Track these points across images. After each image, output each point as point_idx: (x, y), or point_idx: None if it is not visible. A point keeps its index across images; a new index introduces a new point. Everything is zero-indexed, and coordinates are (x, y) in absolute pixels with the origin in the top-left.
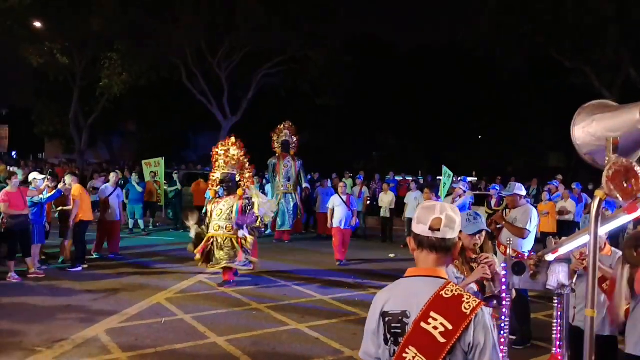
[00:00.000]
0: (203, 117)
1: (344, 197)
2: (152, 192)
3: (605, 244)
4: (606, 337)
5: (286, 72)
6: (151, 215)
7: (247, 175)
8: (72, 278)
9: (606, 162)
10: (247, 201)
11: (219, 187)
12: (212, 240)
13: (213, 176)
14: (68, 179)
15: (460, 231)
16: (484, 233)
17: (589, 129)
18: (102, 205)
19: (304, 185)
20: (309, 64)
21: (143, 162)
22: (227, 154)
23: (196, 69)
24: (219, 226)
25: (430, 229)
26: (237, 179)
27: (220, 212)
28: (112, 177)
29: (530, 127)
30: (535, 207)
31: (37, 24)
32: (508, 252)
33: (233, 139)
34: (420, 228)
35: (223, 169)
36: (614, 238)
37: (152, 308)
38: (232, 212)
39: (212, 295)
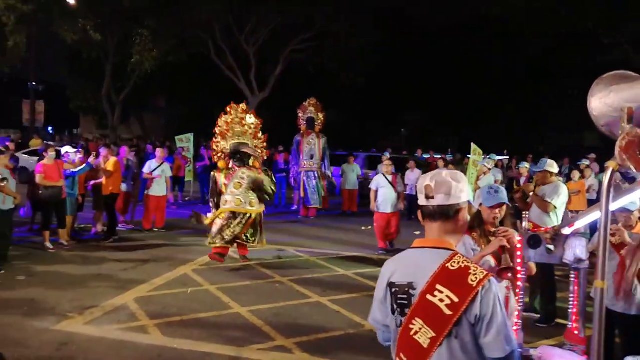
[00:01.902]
0: (231, 93)
1: (390, 178)
2: (179, 167)
3: (637, 222)
4: (634, 317)
5: (314, 49)
6: (179, 189)
7: (261, 145)
8: (103, 249)
9: (620, 132)
10: (265, 175)
11: (229, 158)
12: (231, 215)
13: (217, 145)
14: (104, 151)
15: (481, 204)
16: (504, 207)
17: (607, 100)
18: (147, 180)
19: (326, 172)
20: (336, 40)
21: (176, 137)
22: (243, 122)
23: (224, 45)
24: (241, 200)
25: (426, 197)
26: (252, 150)
27: (239, 185)
28: (158, 152)
29: (565, 105)
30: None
31: (71, 1)
32: (524, 225)
33: (243, 106)
34: (420, 199)
35: (237, 139)
36: None
37: (179, 278)
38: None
39: (237, 268)
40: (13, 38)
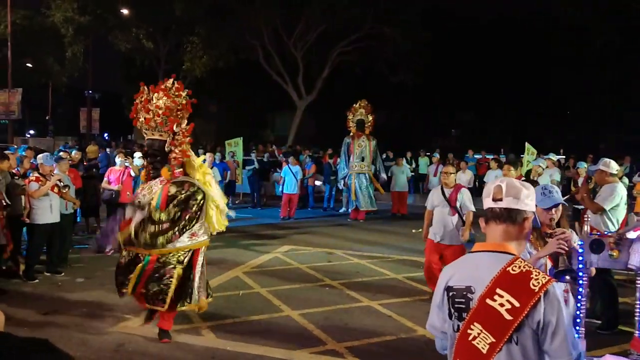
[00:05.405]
0: (279, 97)
1: (448, 193)
2: (230, 171)
3: None
4: None
5: (361, 51)
6: (230, 193)
7: (179, 140)
8: None
9: None
10: (175, 188)
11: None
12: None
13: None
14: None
15: (536, 206)
16: (560, 207)
17: None
18: None
19: (382, 175)
20: (385, 41)
21: (226, 142)
22: (149, 105)
23: (272, 50)
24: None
25: (493, 199)
26: (168, 147)
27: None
28: (208, 157)
29: (624, 100)
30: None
31: (125, 11)
32: (585, 228)
33: (170, 82)
34: (485, 202)
35: (146, 132)
36: None
37: (230, 281)
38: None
39: (287, 271)
40: (71, 49)
